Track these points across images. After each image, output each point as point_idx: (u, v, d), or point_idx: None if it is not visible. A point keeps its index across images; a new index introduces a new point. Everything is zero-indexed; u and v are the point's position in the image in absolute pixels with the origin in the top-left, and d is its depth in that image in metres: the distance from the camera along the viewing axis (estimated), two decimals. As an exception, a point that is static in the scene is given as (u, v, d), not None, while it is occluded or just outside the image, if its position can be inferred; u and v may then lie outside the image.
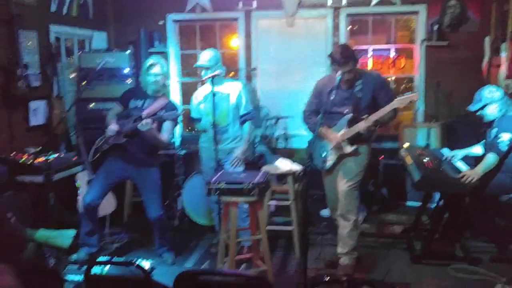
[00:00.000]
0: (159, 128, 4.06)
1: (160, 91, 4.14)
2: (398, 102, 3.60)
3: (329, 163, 3.96)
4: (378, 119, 3.66)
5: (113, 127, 4.08)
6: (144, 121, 3.84)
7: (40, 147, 4.70)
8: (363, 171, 3.90)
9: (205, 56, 4.26)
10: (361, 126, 3.69)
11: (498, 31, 5.26)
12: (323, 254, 4.29)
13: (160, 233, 4.27)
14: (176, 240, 4.46)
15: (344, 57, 3.63)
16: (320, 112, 3.82)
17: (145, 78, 4.11)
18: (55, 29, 5.44)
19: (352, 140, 3.81)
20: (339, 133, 3.82)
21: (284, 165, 4.51)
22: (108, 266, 2.84)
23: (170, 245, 4.33)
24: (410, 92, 3.64)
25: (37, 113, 5.08)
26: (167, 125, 4.08)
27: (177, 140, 6.32)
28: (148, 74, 4.07)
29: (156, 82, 4.08)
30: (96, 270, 2.60)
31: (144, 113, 4.02)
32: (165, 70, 4.13)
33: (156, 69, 4.06)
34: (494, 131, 4.04)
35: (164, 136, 4.07)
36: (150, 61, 4.09)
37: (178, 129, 6.51)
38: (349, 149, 3.83)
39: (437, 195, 4.83)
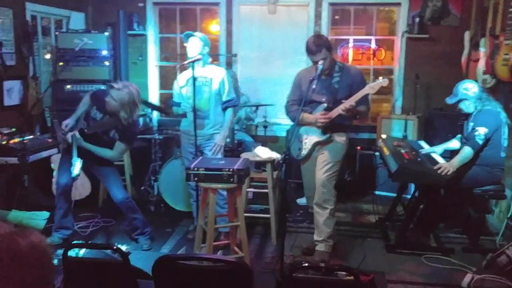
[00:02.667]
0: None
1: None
2: (369, 87, 3.66)
3: (304, 152, 4.00)
4: (354, 106, 3.69)
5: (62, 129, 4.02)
6: (69, 135, 3.83)
7: (15, 128, 4.61)
8: (341, 161, 3.93)
9: (194, 46, 4.13)
10: (339, 108, 3.71)
11: (478, 26, 5.34)
12: (299, 242, 4.31)
13: (129, 215, 4.24)
14: (152, 226, 4.41)
15: (316, 45, 3.70)
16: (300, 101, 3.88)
17: None
18: (31, 7, 5.31)
19: (327, 129, 3.84)
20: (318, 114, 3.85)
21: (263, 152, 4.51)
22: (83, 250, 2.81)
23: (142, 228, 4.28)
24: (381, 78, 3.70)
25: (12, 93, 4.96)
26: (117, 145, 4.02)
27: (154, 125, 6.26)
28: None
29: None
30: (71, 253, 2.56)
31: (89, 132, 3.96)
32: (118, 104, 3.82)
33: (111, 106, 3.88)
34: (470, 124, 4.11)
35: (109, 152, 4.00)
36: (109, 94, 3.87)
37: (156, 114, 6.44)
38: (323, 136, 3.86)
39: (412, 186, 4.91)
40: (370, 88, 3.66)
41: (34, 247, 1.26)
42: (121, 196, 4.15)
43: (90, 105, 4.09)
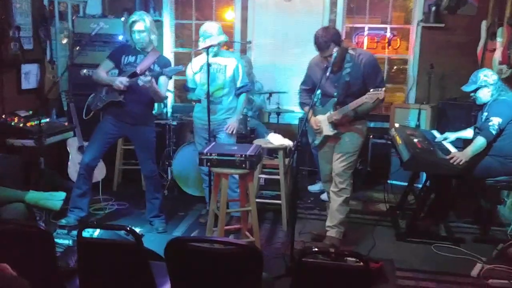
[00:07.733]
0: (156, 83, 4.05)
1: (147, 46, 4.10)
2: (368, 96, 3.60)
3: (317, 141, 4.03)
4: (356, 109, 3.70)
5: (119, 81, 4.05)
6: (143, 76, 3.84)
7: (31, 111, 4.68)
8: (358, 150, 3.93)
9: (213, 29, 4.19)
10: (334, 115, 3.76)
11: (495, 16, 5.25)
12: (309, 228, 4.35)
13: (151, 193, 4.31)
14: (165, 209, 4.48)
15: (324, 41, 3.61)
16: (312, 90, 3.93)
17: (130, 36, 4.09)
18: (48, -8, 5.36)
19: (336, 125, 3.84)
20: (322, 117, 3.88)
21: (275, 139, 4.54)
22: (98, 231, 2.86)
23: (158, 211, 4.35)
24: (380, 89, 3.59)
25: (29, 76, 5.02)
26: (162, 79, 4.07)
27: (168, 111, 6.30)
28: (132, 31, 4.04)
29: (140, 39, 4.03)
30: (85, 234, 2.62)
31: (138, 69, 4.00)
32: (148, 26, 4.03)
33: (138, 26, 4.00)
34: (484, 114, 4.09)
35: (162, 91, 4.09)
36: (133, 17, 4.03)
37: (170, 100, 6.47)
38: (330, 132, 3.86)
39: (424, 175, 4.90)
40: (368, 97, 3.59)
41: None
42: (150, 170, 4.25)
43: (112, 62, 4.15)
